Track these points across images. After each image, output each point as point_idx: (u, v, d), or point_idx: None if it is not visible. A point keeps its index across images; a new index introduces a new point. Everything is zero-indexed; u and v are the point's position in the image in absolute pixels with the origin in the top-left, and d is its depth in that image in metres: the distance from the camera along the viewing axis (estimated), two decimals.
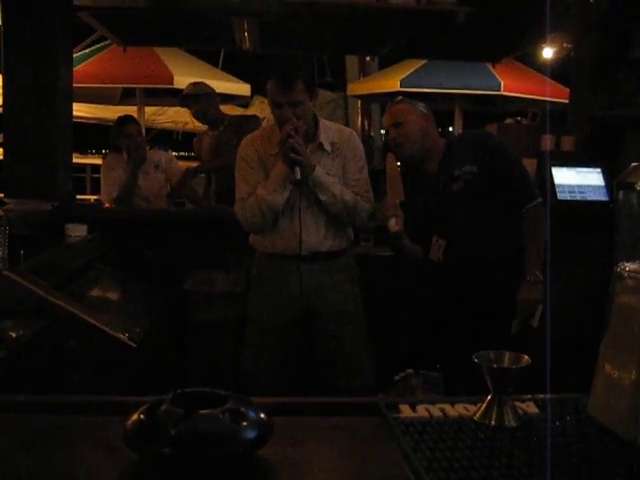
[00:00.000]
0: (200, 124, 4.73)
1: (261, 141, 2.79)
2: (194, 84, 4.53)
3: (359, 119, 9.21)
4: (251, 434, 0.94)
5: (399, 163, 2.85)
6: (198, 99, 4.36)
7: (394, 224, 2.56)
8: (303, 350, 2.81)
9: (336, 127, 2.88)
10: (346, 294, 2.80)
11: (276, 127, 2.73)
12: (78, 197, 5.32)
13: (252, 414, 0.97)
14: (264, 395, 2.37)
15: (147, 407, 0.97)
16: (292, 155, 2.55)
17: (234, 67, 7.77)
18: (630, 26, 3.66)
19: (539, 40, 4.89)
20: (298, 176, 2.57)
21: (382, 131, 10.06)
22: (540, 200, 2.66)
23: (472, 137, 2.85)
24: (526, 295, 2.56)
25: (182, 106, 4.71)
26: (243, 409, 0.97)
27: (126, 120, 4.44)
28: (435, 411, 1.17)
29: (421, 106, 2.79)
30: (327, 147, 2.74)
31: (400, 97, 2.92)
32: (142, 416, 0.95)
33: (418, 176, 2.75)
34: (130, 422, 0.96)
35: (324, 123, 2.79)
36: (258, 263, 2.87)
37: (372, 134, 9.29)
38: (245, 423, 0.94)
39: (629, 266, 1.11)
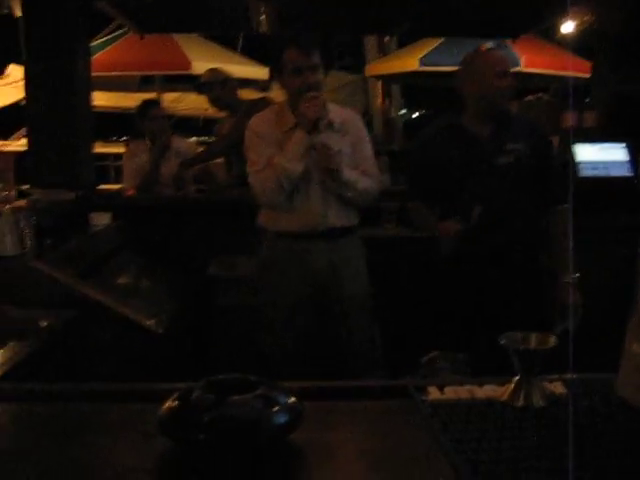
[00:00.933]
0: (219, 110, 4.74)
1: (272, 118, 2.78)
2: (209, 71, 4.53)
3: (379, 100, 9.14)
4: (282, 419, 0.96)
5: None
6: (212, 86, 4.35)
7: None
8: (316, 330, 2.79)
9: (339, 108, 2.91)
10: (359, 272, 2.81)
11: (286, 106, 2.75)
12: (102, 186, 5.38)
13: (283, 399, 0.98)
14: (288, 378, 2.40)
15: (180, 394, 0.99)
16: (315, 113, 2.57)
17: (253, 51, 7.75)
18: None
19: (560, 14, 4.81)
20: (321, 143, 2.60)
21: (402, 111, 10.00)
22: (568, 206, 2.60)
23: (526, 120, 2.87)
24: (572, 298, 2.49)
25: (199, 93, 4.71)
26: (274, 394, 0.98)
27: (151, 103, 4.46)
28: (463, 393, 1.18)
29: None
30: (336, 125, 2.75)
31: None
32: (175, 403, 0.97)
33: (464, 135, 2.67)
34: (164, 409, 0.98)
35: (329, 103, 2.82)
36: (271, 244, 2.81)
37: (393, 115, 9.22)
38: (276, 408, 0.96)
39: None
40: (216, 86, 4.34)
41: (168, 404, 0.98)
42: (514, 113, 2.76)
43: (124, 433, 1.08)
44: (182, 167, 4.34)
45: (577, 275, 2.55)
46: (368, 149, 2.85)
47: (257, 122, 2.79)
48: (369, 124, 9.29)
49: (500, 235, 2.56)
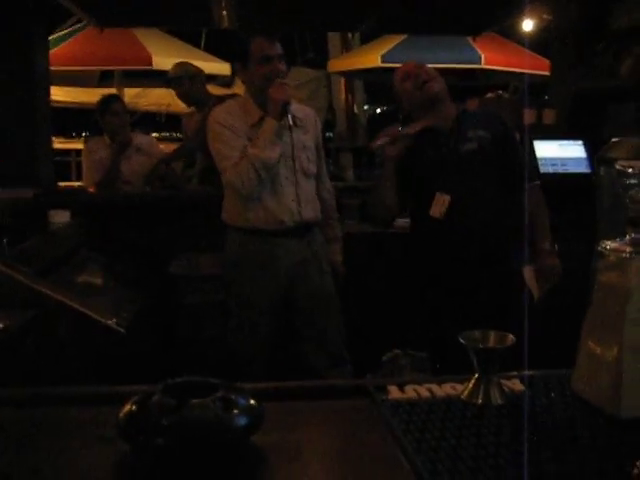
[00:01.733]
0: (184, 105, 4.71)
1: (237, 111, 2.76)
2: (177, 65, 4.51)
3: (342, 96, 9.15)
4: (243, 421, 0.96)
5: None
6: (181, 81, 4.33)
7: (378, 142, 2.58)
8: (286, 328, 2.80)
9: (299, 105, 2.93)
10: (326, 267, 2.83)
11: (250, 99, 2.75)
12: (64, 183, 5.30)
13: (243, 401, 0.98)
14: (254, 377, 2.38)
15: (139, 398, 0.98)
16: (284, 97, 2.60)
17: (216, 47, 7.69)
18: None
19: (519, 12, 4.87)
20: (291, 121, 2.63)
21: (365, 107, 10.02)
22: (538, 182, 2.78)
23: (485, 110, 3.09)
24: (549, 262, 2.63)
25: (168, 87, 4.69)
26: (234, 397, 0.98)
27: (112, 98, 4.42)
28: (423, 391, 1.19)
29: None
30: (297, 121, 2.76)
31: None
32: (134, 407, 0.96)
33: (426, 132, 2.69)
34: (122, 413, 0.97)
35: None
36: (236, 240, 2.79)
37: (356, 111, 9.24)
38: (236, 411, 0.96)
39: (610, 244, 1.13)
40: (185, 81, 4.33)
41: (127, 408, 0.97)
42: (465, 108, 2.85)
43: (82, 437, 1.07)
44: (161, 164, 4.32)
45: (554, 245, 2.66)
46: (323, 153, 2.93)
47: (223, 114, 2.75)
48: (333, 120, 9.31)
49: (471, 224, 2.59)
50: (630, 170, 1.09)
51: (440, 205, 2.58)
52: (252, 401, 1.00)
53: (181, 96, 4.44)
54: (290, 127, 2.66)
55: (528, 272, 2.58)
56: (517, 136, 2.81)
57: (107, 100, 4.38)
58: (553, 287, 2.64)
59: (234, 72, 4.59)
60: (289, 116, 2.64)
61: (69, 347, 2.81)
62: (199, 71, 4.44)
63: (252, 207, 2.70)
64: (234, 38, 3.94)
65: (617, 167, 1.12)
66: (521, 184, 2.64)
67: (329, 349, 2.79)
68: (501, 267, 2.60)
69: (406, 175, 2.64)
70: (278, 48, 2.68)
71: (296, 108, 2.80)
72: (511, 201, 2.65)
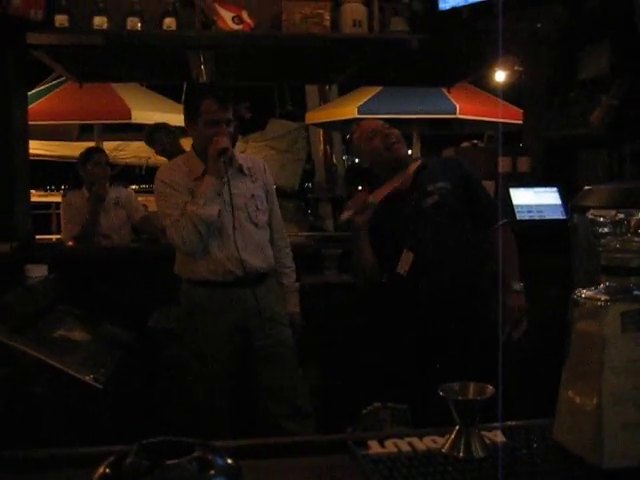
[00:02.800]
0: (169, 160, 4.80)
1: (181, 167, 2.81)
2: (154, 125, 4.62)
3: (321, 147, 9.26)
4: None
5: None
6: (157, 136, 4.43)
7: (346, 214, 2.63)
8: (243, 377, 2.80)
9: (246, 156, 3.04)
10: (280, 317, 2.83)
11: (194, 154, 2.81)
12: (44, 236, 5.27)
13: (220, 461, 0.96)
14: (223, 430, 2.34)
15: (112, 460, 0.95)
16: (223, 144, 2.64)
17: None
18: (577, 48, 3.76)
19: (491, 64, 5.00)
20: (227, 169, 2.68)
21: (344, 157, 10.13)
22: (507, 221, 2.81)
23: (444, 159, 3.14)
24: (514, 302, 2.64)
25: (148, 146, 4.81)
26: (210, 456, 0.95)
27: (96, 149, 4.52)
28: (404, 445, 1.17)
29: None
30: (245, 170, 2.82)
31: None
32: (107, 470, 0.93)
33: (389, 193, 2.78)
34: (96, 477, 0.94)
35: (236, 152, 2.93)
36: (190, 293, 2.81)
37: (335, 161, 9.34)
38: (213, 471, 0.93)
39: (585, 292, 1.13)
40: (162, 136, 4.41)
41: (100, 470, 0.94)
42: (426, 161, 2.90)
43: None
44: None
45: (521, 284, 2.68)
46: (276, 201, 2.95)
47: (166, 171, 2.81)
48: (311, 171, 9.40)
49: (439, 278, 2.60)
50: (602, 219, 1.11)
51: (405, 262, 2.63)
52: (229, 460, 0.97)
53: (160, 153, 4.55)
54: (229, 177, 2.69)
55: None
56: (492, 186, 2.85)
57: (91, 151, 4.45)
58: (517, 326, 2.66)
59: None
60: (235, 166, 2.74)
61: (45, 405, 2.75)
62: (172, 128, 4.58)
63: (200, 258, 2.72)
64: (188, 91, 4.03)
65: (589, 216, 1.13)
66: (488, 225, 2.72)
67: (286, 399, 2.78)
68: (473, 318, 2.60)
69: (375, 236, 2.67)
70: (228, 113, 2.72)
71: (244, 158, 2.92)
72: (479, 246, 2.69)
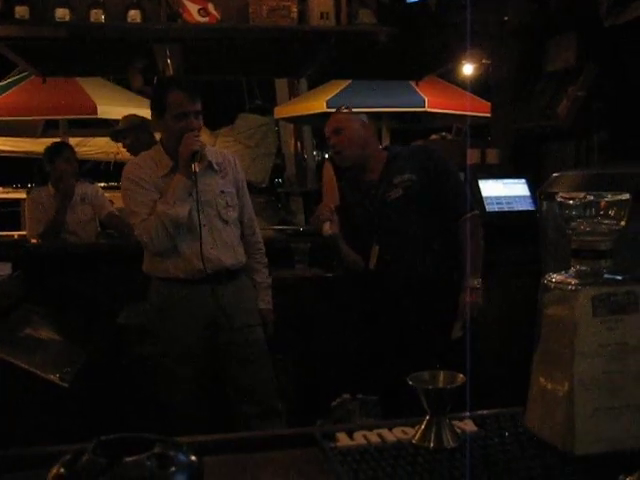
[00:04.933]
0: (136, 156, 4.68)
1: (149, 163, 2.75)
2: (124, 118, 4.50)
3: (291, 141, 9.23)
4: (180, 479, 0.89)
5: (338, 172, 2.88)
6: (126, 133, 4.31)
7: (328, 228, 2.62)
8: (212, 376, 2.77)
9: (216, 150, 2.96)
10: (251, 314, 2.80)
11: (162, 149, 2.75)
12: (7, 233, 5.15)
13: (181, 457, 0.92)
14: (192, 429, 2.32)
15: (68, 459, 0.91)
16: (195, 146, 2.58)
17: None
18: (543, 40, 3.78)
19: (459, 57, 5.01)
20: (197, 168, 2.60)
21: (315, 152, 10.11)
22: (477, 212, 2.77)
23: (414, 148, 3.01)
24: (468, 299, 2.60)
25: (114, 141, 4.69)
26: (171, 452, 0.92)
27: (64, 145, 4.40)
28: (373, 437, 1.14)
29: (362, 116, 2.89)
30: (215, 166, 2.77)
31: (344, 106, 2.97)
32: (62, 469, 0.89)
33: (359, 185, 2.77)
34: (51, 476, 0.90)
35: (207, 146, 2.86)
36: (160, 290, 2.77)
37: (305, 156, 9.32)
38: (174, 468, 0.89)
39: (555, 277, 1.12)
40: (128, 133, 4.30)
41: (54, 470, 0.90)
42: (396, 150, 2.88)
43: None
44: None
45: (480, 280, 2.65)
46: (248, 196, 2.91)
47: (133, 168, 2.75)
48: (282, 165, 9.36)
49: (403, 270, 2.60)
50: (571, 202, 1.09)
51: (373, 257, 2.64)
52: (192, 456, 0.94)
53: (128, 148, 4.39)
54: (196, 173, 2.62)
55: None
56: (450, 167, 2.82)
57: (59, 146, 4.36)
58: (470, 321, 2.62)
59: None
60: (205, 162, 2.67)
61: (11, 404, 2.69)
62: (142, 121, 4.41)
63: (169, 256, 2.68)
64: (155, 84, 3.96)
65: (558, 199, 1.12)
66: (456, 217, 2.69)
67: (257, 399, 2.75)
68: (440, 311, 2.60)
69: (348, 232, 2.69)
70: (197, 104, 2.66)
71: (214, 152, 2.84)
72: (447, 239, 2.67)
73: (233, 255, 2.75)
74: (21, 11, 3.52)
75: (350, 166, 2.78)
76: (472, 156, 3.87)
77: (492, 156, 3.93)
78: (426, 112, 6.94)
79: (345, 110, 2.89)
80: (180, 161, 2.62)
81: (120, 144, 4.61)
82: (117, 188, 8.97)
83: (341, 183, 2.83)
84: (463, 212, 2.71)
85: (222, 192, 2.75)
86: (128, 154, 4.83)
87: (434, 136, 4.56)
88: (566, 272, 1.11)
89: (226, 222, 2.75)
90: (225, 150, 3.07)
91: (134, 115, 4.52)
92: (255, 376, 2.75)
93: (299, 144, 9.25)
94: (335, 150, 2.75)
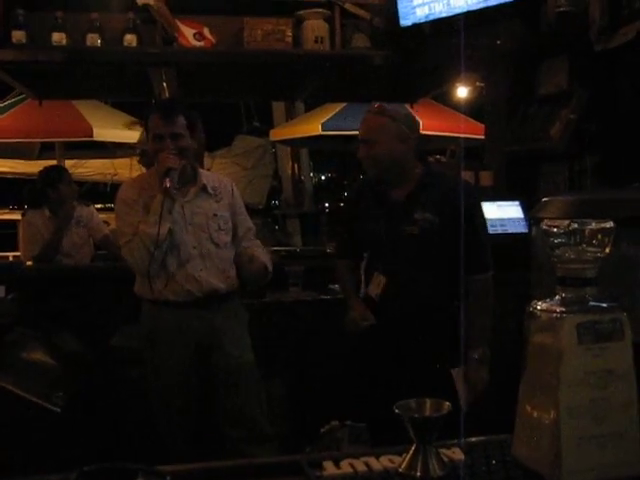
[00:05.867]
0: (130, 174, 4.71)
1: (141, 184, 2.76)
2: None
3: (288, 163, 9.25)
4: None
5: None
6: (145, 150, 4.33)
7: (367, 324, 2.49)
8: (201, 399, 2.73)
9: (213, 174, 2.93)
10: (241, 340, 2.76)
11: (154, 171, 2.73)
12: (7, 254, 5.16)
13: None
14: (182, 453, 2.29)
15: None
16: (168, 164, 2.54)
17: None
18: (536, 64, 3.81)
19: (453, 80, 5.05)
20: (167, 184, 2.54)
21: (311, 174, 10.15)
22: (492, 273, 2.55)
23: (448, 183, 2.58)
24: (474, 374, 2.44)
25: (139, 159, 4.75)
26: None
27: (62, 168, 4.41)
28: (360, 465, 1.14)
29: (403, 122, 2.51)
30: (210, 190, 2.74)
31: (378, 105, 2.57)
32: None
33: (383, 200, 2.56)
34: None
35: (202, 170, 2.86)
36: (150, 313, 2.73)
37: (302, 178, 9.35)
38: None
39: (540, 304, 1.12)
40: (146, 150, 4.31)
41: None
42: (432, 172, 2.62)
43: None
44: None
45: (482, 351, 2.46)
46: (248, 219, 2.88)
47: (125, 189, 2.76)
48: (279, 187, 9.38)
49: (403, 306, 2.52)
50: (555, 229, 1.10)
51: (376, 285, 2.52)
52: None
53: (145, 164, 4.39)
54: (167, 189, 2.55)
55: (457, 374, 2.43)
56: (480, 215, 2.60)
57: (59, 170, 4.38)
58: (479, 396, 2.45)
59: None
60: (176, 178, 2.59)
61: (2, 429, 2.68)
62: None
63: (158, 278, 2.64)
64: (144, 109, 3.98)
65: (543, 227, 1.12)
66: (471, 272, 2.41)
67: (247, 424, 2.72)
68: (436, 338, 2.48)
69: (357, 237, 2.63)
70: (173, 126, 2.61)
71: (210, 176, 2.83)
72: (453, 288, 2.41)
73: (224, 279, 2.71)
74: (18, 35, 3.56)
75: (374, 180, 2.58)
76: (466, 178, 3.88)
77: (486, 178, 3.95)
78: (421, 134, 6.97)
79: (381, 112, 2.50)
80: (157, 179, 2.61)
81: (116, 164, 4.63)
82: (113, 210, 9.01)
83: (359, 190, 2.74)
84: (478, 270, 2.48)
85: (215, 215, 2.72)
86: (125, 176, 4.86)
87: (429, 159, 4.58)
88: (551, 299, 1.11)
89: (217, 245, 2.72)
90: (223, 176, 3.04)
91: None
92: (245, 401, 2.72)
93: (296, 166, 9.28)
94: (362, 162, 2.52)
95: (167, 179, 2.55)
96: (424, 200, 2.49)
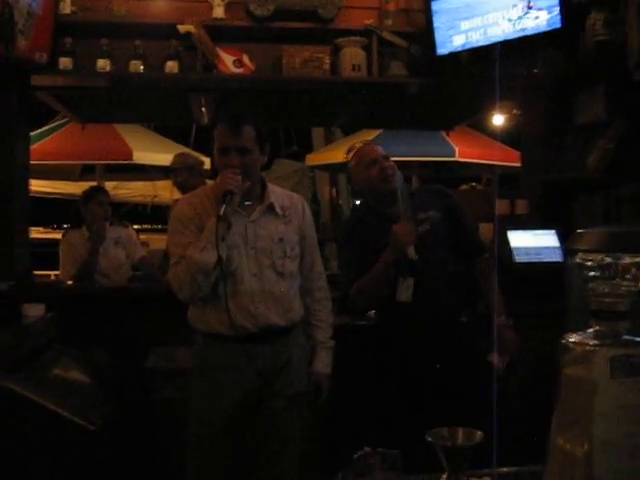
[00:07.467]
0: (171, 196, 4.78)
1: (200, 199, 2.43)
2: (177, 156, 4.59)
3: (326, 188, 9.30)
4: None
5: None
6: (178, 171, 4.38)
7: (413, 252, 2.57)
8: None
9: (284, 192, 2.60)
10: (299, 374, 2.47)
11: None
12: (44, 272, 5.27)
13: None
14: None
15: None
16: (228, 186, 2.26)
17: (204, 142, 7.87)
18: (573, 92, 3.81)
19: (489, 108, 5.06)
20: (222, 212, 2.23)
21: (349, 199, 10.18)
22: (488, 255, 2.84)
23: (433, 188, 3.00)
24: (507, 335, 2.63)
25: (166, 179, 4.81)
26: None
27: (98, 189, 4.52)
28: None
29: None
30: (278, 209, 2.44)
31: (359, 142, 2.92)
32: None
33: (385, 217, 2.73)
34: None
35: (272, 186, 2.51)
36: (201, 346, 2.44)
37: (340, 202, 9.38)
38: None
39: (574, 337, 1.12)
40: (183, 171, 4.36)
41: None
42: (414, 189, 2.97)
43: None
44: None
45: (510, 319, 2.68)
46: (315, 247, 2.59)
47: (181, 206, 2.48)
48: (317, 212, 9.43)
49: (438, 304, 2.62)
50: (589, 263, 1.11)
51: (405, 289, 2.60)
52: None
53: (178, 185, 4.44)
54: (221, 216, 2.24)
55: (496, 358, 2.50)
56: (489, 229, 2.88)
57: (94, 190, 4.48)
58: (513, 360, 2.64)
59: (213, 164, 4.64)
60: (224, 207, 2.24)
61: (36, 447, 2.72)
62: (197, 162, 4.50)
63: (211, 308, 2.35)
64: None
65: (577, 261, 1.13)
66: (475, 254, 2.79)
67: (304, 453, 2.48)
68: (469, 352, 2.60)
69: (367, 265, 2.65)
70: (240, 139, 2.32)
71: (280, 194, 2.52)
72: (467, 277, 2.73)
73: (284, 313, 2.39)
74: (65, 62, 3.69)
75: (393, 191, 2.72)
76: (501, 206, 3.88)
77: (521, 207, 3.94)
78: (456, 162, 6.98)
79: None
80: (214, 201, 2.30)
81: (157, 186, 4.72)
82: (153, 230, 9.15)
83: (361, 216, 2.87)
84: (480, 253, 2.81)
85: (281, 240, 2.40)
86: (166, 198, 4.94)
87: (464, 186, 4.59)
88: (584, 332, 1.12)
89: (281, 275, 2.39)
90: (294, 193, 2.66)
91: (188, 154, 4.61)
92: (281, 467, 2.43)
93: (334, 190, 9.32)
94: (388, 173, 2.69)
95: (224, 205, 2.24)
96: (419, 203, 2.77)
